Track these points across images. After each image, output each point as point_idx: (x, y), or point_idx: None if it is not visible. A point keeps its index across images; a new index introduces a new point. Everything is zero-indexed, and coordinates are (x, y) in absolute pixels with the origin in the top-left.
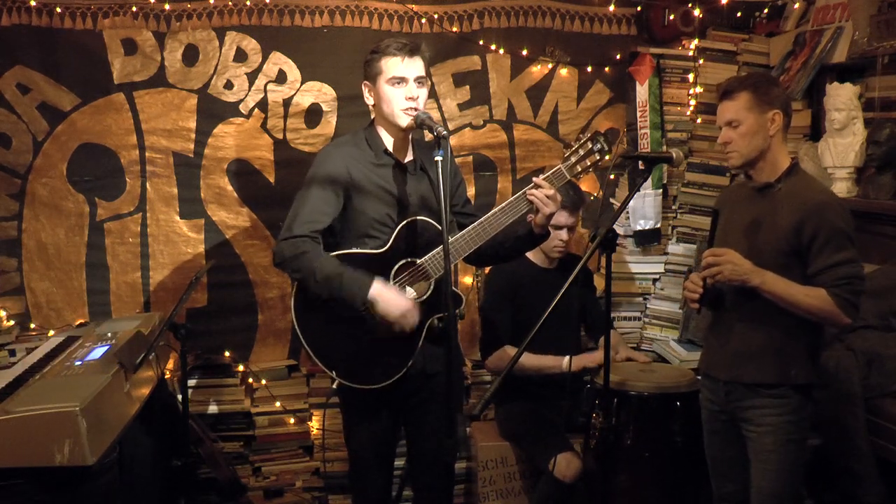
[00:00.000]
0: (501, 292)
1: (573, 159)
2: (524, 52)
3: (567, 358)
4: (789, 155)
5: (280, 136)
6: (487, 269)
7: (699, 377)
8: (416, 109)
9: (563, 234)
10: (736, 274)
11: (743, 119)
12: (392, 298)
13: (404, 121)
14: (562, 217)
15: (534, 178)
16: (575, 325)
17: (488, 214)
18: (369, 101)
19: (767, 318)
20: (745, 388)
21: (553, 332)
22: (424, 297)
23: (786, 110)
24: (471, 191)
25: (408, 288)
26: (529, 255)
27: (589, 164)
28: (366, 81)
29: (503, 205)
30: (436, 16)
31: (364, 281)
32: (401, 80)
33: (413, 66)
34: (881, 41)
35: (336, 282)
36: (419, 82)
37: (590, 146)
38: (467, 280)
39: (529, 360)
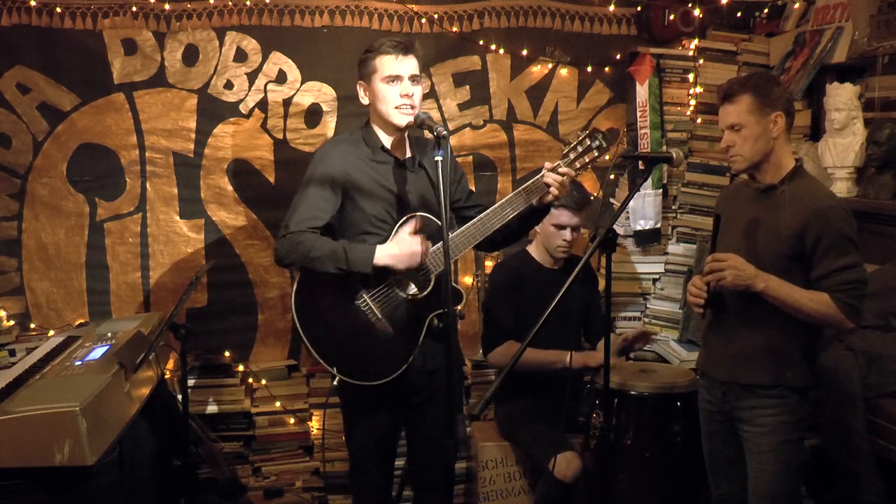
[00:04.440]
0: (504, 287)
1: (572, 156)
2: (524, 52)
3: (570, 353)
4: (793, 156)
5: (280, 136)
6: (489, 268)
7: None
8: (412, 107)
9: (567, 233)
10: (740, 279)
11: (745, 123)
12: (402, 252)
13: (401, 119)
14: (564, 217)
15: (546, 164)
16: (576, 325)
17: (487, 211)
18: (364, 100)
19: (767, 321)
20: (742, 388)
21: (554, 331)
22: (425, 293)
23: (788, 110)
24: None
25: (409, 284)
26: (534, 254)
27: (587, 160)
28: (361, 81)
29: (502, 201)
30: (436, 16)
31: (367, 250)
32: (395, 79)
33: (407, 64)
34: (881, 41)
35: (341, 254)
36: (413, 80)
37: (588, 143)
38: (467, 280)
39: (532, 354)
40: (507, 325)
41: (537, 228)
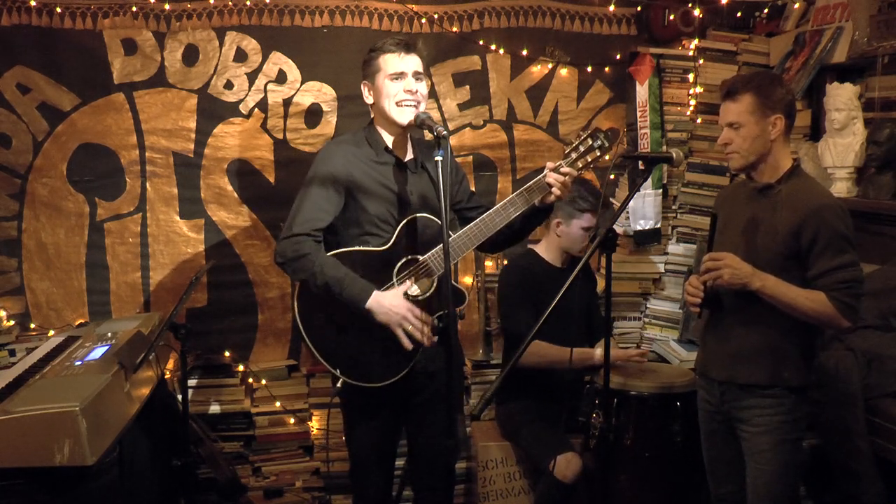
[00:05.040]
0: (519, 287)
1: (574, 156)
2: (524, 52)
3: (598, 350)
4: (791, 156)
5: (280, 136)
6: (490, 268)
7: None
8: (416, 105)
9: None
10: (736, 278)
11: (744, 122)
12: (389, 307)
13: (404, 117)
14: (590, 221)
15: (548, 164)
16: (581, 324)
17: (489, 212)
18: (369, 100)
19: (764, 320)
20: (740, 388)
21: (560, 331)
22: (427, 294)
23: (788, 113)
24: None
25: (410, 284)
26: (543, 254)
27: (589, 160)
28: (365, 81)
29: (504, 202)
30: (436, 16)
31: (364, 290)
32: (399, 76)
33: (410, 61)
34: (881, 41)
35: (336, 288)
36: (417, 77)
37: (590, 143)
38: (467, 280)
39: (551, 350)
40: (527, 322)
41: (557, 232)
